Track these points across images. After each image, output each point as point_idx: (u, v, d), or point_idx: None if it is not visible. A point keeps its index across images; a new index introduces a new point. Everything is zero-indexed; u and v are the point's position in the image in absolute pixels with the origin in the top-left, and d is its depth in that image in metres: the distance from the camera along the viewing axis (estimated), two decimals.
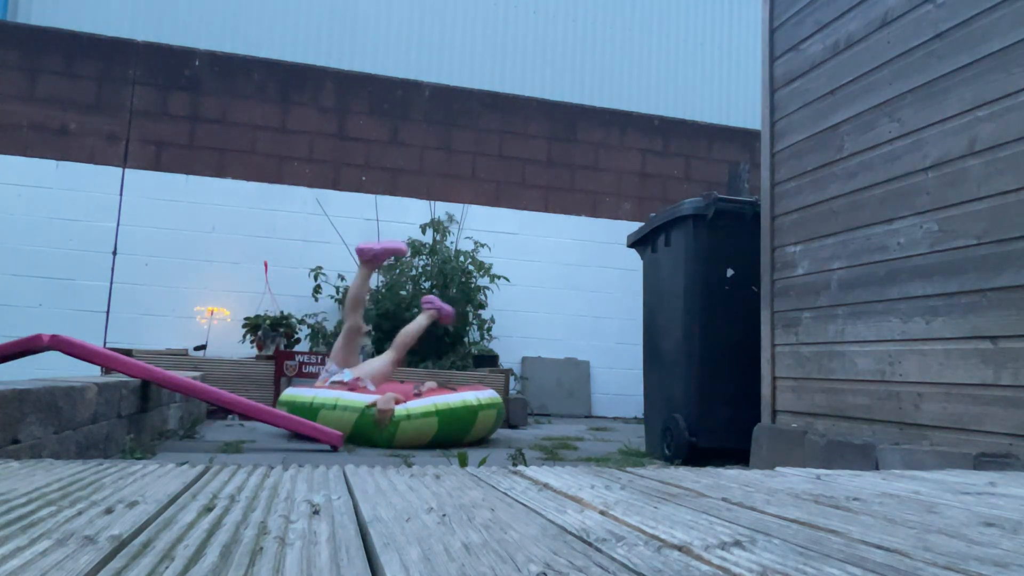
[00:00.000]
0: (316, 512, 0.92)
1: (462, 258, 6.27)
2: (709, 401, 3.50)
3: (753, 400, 3.40)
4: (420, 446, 3.70)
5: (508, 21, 8.64)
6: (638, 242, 4.21)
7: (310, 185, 6.62)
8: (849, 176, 2.92)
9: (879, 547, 0.82)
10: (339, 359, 4.21)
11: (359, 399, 3.71)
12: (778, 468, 1.59)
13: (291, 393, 4.06)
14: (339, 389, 3.87)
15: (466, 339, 6.26)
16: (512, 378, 6.26)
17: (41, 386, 2.33)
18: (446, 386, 4.39)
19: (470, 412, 3.83)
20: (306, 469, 1.32)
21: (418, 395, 3.91)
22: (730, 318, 3.58)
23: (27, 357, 3.14)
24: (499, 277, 6.38)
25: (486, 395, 4.00)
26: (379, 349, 5.82)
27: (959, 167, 2.41)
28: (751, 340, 3.46)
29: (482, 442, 4.04)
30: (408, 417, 3.66)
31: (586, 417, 6.79)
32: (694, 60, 9.21)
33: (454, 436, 3.76)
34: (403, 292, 6.05)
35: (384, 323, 5.96)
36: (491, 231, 6.87)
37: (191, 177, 6.33)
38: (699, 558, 0.74)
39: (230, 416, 4.82)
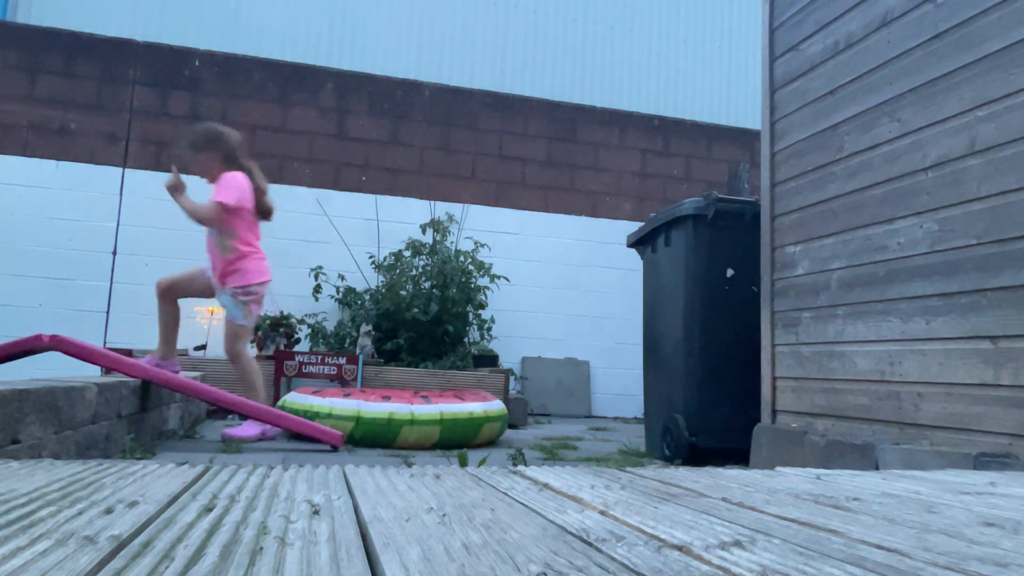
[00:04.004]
0: (316, 512, 0.92)
1: (462, 258, 6.27)
2: (709, 401, 3.50)
3: (753, 400, 3.40)
4: (421, 449, 3.70)
5: (508, 21, 8.63)
6: (638, 242, 4.21)
7: (310, 185, 6.62)
8: (849, 176, 2.92)
9: (879, 547, 0.82)
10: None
11: (354, 407, 3.69)
12: (778, 468, 1.59)
13: (289, 400, 4.04)
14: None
15: (466, 339, 6.26)
16: (512, 378, 6.26)
17: (41, 386, 2.33)
18: (452, 391, 4.37)
19: (474, 423, 3.84)
20: (306, 469, 1.32)
21: (425, 399, 3.90)
22: (730, 318, 3.58)
23: (27, 357, 3.13)
24: (499, 277, 6.38)
25: (493, 406, 4.00)
26: (379, 350, 5.82)
27: (959, 167, 2.41)
28: (751, 340, 3.46)
29: (483, 443, 4.04)
30: (412, 422, 3.66)
31: (586, 417, 6.79)
32: (694, 60, 9.21)
33: (456, 444, 3.76)
34: (403, 292, 6.05)
35: (384, 323, 5.96)
36: (491, 231, 6.87)
37: (191, 177, 6.32)
38: (699, 558, 0.74)
39: (230, 416, 4.82)
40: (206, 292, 3.68)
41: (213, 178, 3.64)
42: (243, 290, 3.58)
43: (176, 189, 3.54)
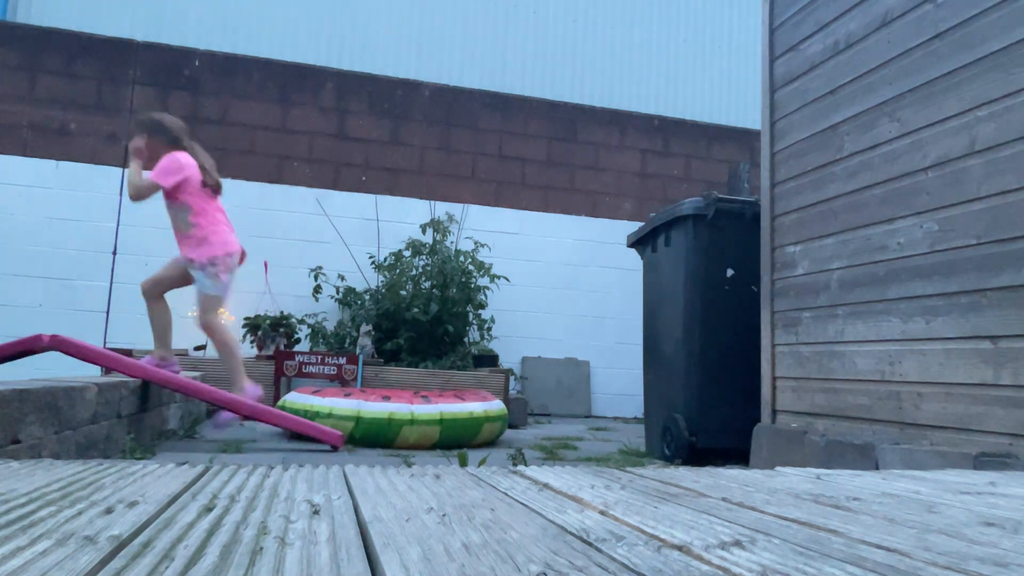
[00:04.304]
0: (316, 512, 0.92)
1: (462, 258, 6.27)
2: (709, 401, 3.50)
3: (753, 400, 3.40)
4: (422, 449, 3.71)
5: (508, 21, 8.63)
6: (638, 242, 4.21)
7: (310, 185, 6.61)
8: (849, 176, 2.92)
9: (879, 547, 0.82)
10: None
11: (354, 406, 3.70)
12: (778, 468, 1.59)
13: (289, 399, 4.03)
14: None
15: (466, 339, 6.26)
16: (512, 378, 6.26)
17: (41, 386, 2.33)
18: (452, 391, 4.38)
19: (475, 423, 3.84)
20: (306, 469, 1.32)
21: (425, 399, 3.90)
22: (730, 318, 3.58)
23: (27, 357, 3.14)
24: (499, 277, 6.38)
25: (493, 406, 4.01)
26: (379, 350, 5.82)
27: (959, 167, 2.41)
28: (751, 340, 3.46)
29: (483, 443, 4.04)
30: (412, 422, 3.67)
31: (586, 417, 6.79)
32: (694, 60, 9.21)
33: (456, 444, 3.77)
34: (403, 292, 6.05)
35: (384, 323, 5.95)
36: (491, 231, 6.87)
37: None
38: (699, 558, 0.74)
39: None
40: (188, 279, 3.71)
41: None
42: (209, 260, 3.59)
43: (138, 153, 3.58)
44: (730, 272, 3.63)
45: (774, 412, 3.27)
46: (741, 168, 5.25)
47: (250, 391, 3.55)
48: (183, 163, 3.60)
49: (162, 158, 3.60)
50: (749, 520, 0.95)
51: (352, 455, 3.35)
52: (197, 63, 6.50)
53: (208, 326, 3.64)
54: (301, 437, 3.63)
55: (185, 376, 3.62)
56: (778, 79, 3.44)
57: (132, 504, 0.94)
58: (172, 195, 3.57)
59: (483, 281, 6.35)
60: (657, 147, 7.55)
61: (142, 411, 3.28)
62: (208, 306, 3.63)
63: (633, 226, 6.07)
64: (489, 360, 6.01)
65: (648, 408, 4.04)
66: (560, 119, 7.34)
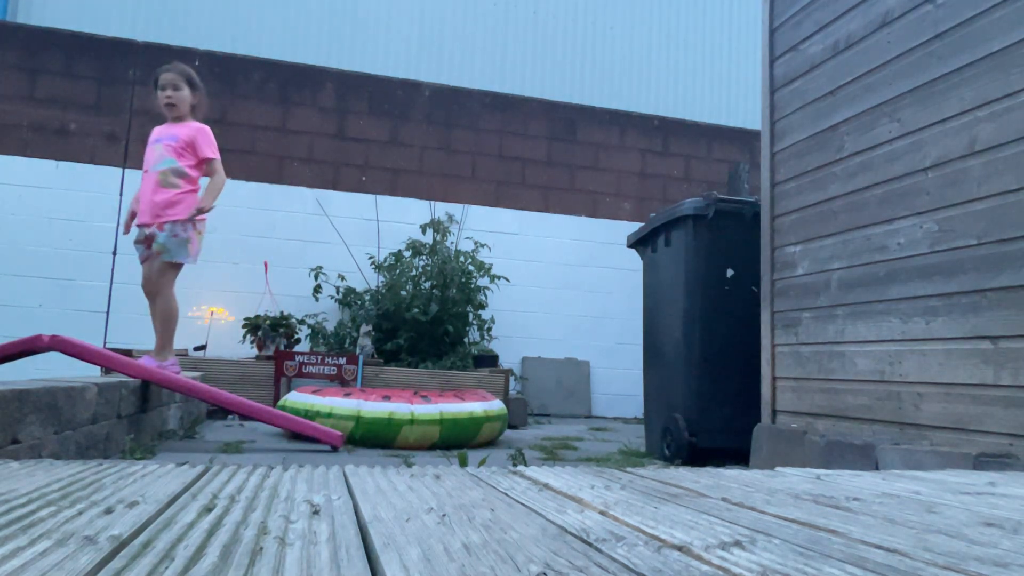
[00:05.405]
0: (316, 512, 0.92)
1: (462, 258, 6.27)
2: (709, 401, 3.50)
3: (753, 400, 3.40)
4: (422, 449, 3.71)
5: (508, 21, 8.63)
6: (638, 242, 4.21)
7: (310, 185, 6.61)
8: (849, 176, 2.92)
9: (879, 547, 0.82)
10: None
11: (354, 406, 3.70)
12: (778, 468, 1.59)
13: (290, 399, 4.04)
14: None
15: (466, 339, 6.26)
16: (512, 378, 6.26)
17: (41, 386, 2.33)
18: (452, 391, 4.38)
19: (475, 423, 3.84)
20: (306, 469, 1.32)
21: (425, 399, 3.90)
22: (730, 318, 3.58)
23: (27, 357, 3.14)
24: (499, 277, 6.38)
25: (493, 406, 4.01)
26: (379, 350, 5.82)
27: (959, 167, 2.41)
28: (751, 340, 3.46)
29: (483, 443, 4.04)
30: (412, 422, 3.67)
31: (586, 417, 6.79)
32: (694, 60, 9.21)
33: (456, 444, 3.77)
34: (403, 292, 6.05)
35: (384, 323, 5.96)
36: (491, 231, 6.87)
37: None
38: (699, 558, 0.74)
39: (230, 416, 4.82)
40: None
41: (181, 115, 3.64)
42: (186, 219, 3.51)
43: (203, 211, 3.56)
44: (730, 272, 3.63)
45: (774, 412, 3.27)
46: (741, 168, 5.25)
47: (170, 365, 3.52)
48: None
49: (198, 125, 3.66)
50: (749, 520, 0.95)
51: (352, 455, 3.34)
52: (197, 63, 6.49)
53: (157, 292, 3.54)
54: (301, 437, 3.63)
55: (185, 376, 3.62)
56: (778, 79, 3.44)
57: (132, 504, 0.94)
58: (185, 154, 3.57)
59: (483, 281, 6.35)
60: (657, 147, 7.55)
61: (142, 411, 3.28)
62: (164, 271, 3.54)
63: (633, 226, 6.07)
64: (489, 360, 6.01)
65: (648, 408, 4.04)
66: (560, 119, 7.34)
